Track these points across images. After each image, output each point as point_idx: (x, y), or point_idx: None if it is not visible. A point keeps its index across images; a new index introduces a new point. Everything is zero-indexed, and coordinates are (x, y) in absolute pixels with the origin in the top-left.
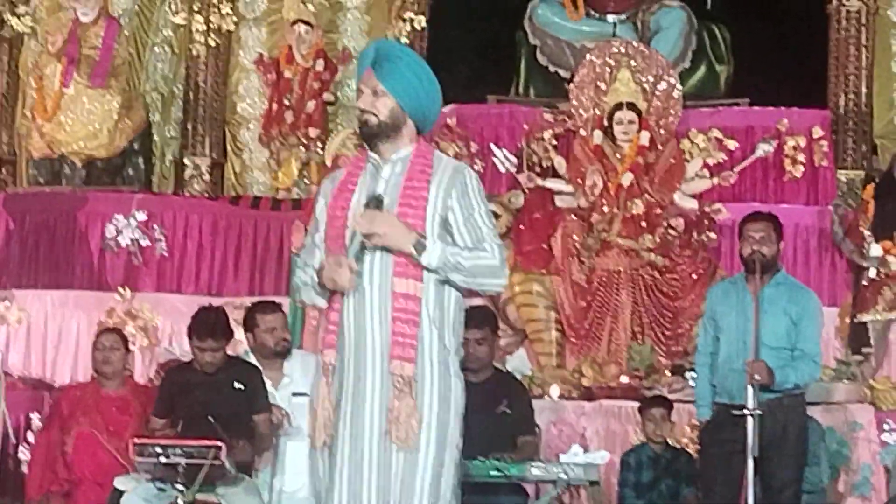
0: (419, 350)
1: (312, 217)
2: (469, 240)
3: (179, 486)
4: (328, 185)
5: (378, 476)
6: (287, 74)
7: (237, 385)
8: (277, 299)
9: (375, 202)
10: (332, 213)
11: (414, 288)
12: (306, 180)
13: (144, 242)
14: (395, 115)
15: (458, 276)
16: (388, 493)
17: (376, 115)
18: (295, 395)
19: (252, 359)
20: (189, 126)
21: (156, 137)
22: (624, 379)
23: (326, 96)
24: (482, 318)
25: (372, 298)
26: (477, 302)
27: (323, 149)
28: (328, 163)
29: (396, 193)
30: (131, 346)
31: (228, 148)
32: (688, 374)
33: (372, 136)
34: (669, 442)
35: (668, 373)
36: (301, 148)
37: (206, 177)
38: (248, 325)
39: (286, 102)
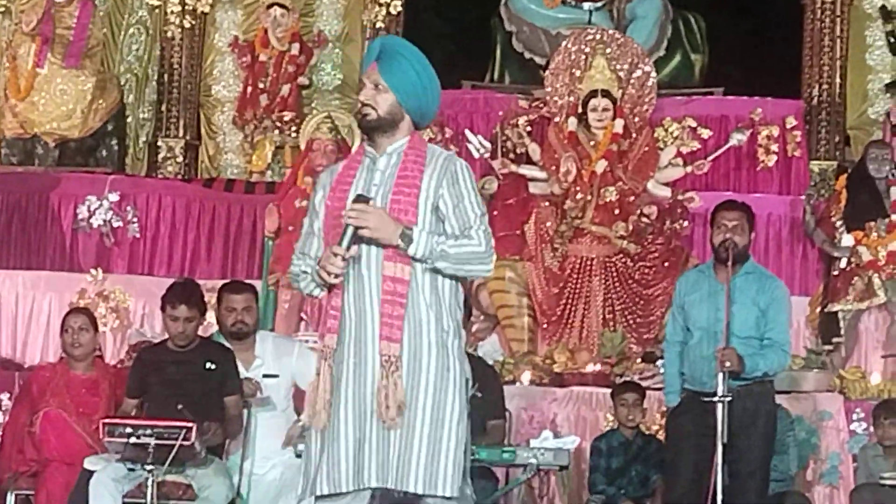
0: (417, 332)
1: (310, 207)
2: (457, 227)
3: (149, 467)
4: (327, 178)
5: (378, 455)
6: (262, 57)
7: (209, 366)
8: (250, 282)
9: (363, 199)
10: (330, 206)
11: (402, 271)
12: (280, 164)
13: (117, 224)
14: (394, 110)
15: (445, 263)
16: (387, 471)
17: (375, 109)
18: (266, 376)
19: (222, 340)
20: (163, 108)
21: (129, 119)
22: (595, 366)
23: (301, 80)
24: None
25: (370, 284)
26: None
27: (297, 132)
28: (302, 146)
29: (391, 183)
30: (102, 328)
31: (202, 130)
32: (659, 362)
33: (369, 129)
34: (641, 428)
35: (639, 360)
36: (275, 131)
37: (180, 159)
38: (217, 303)
39: (261, 85)
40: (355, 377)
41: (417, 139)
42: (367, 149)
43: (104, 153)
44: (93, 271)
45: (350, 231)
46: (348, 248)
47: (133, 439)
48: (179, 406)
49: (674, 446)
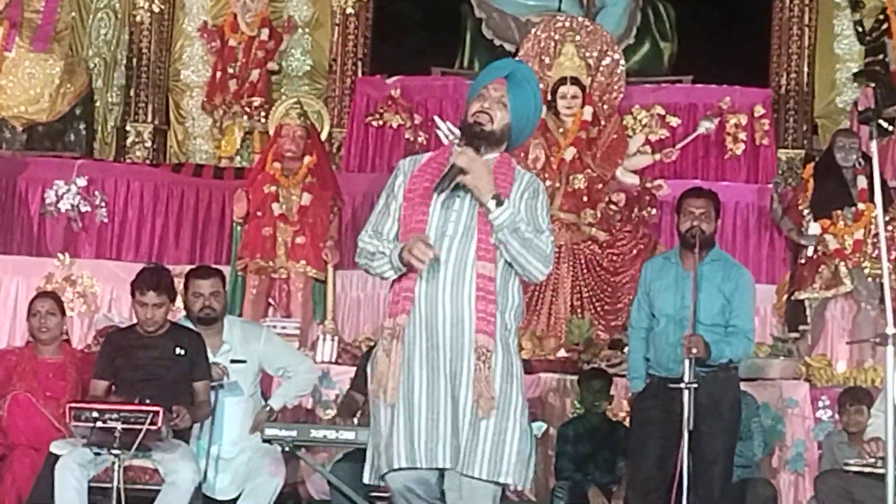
0: None
1: (388, 189)
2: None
3: (115, 451)
4: (409, 165)
5: (451, 436)
6: (231, 43)
7: (179, 351)
8: (218, 268)
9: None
10: (412, 203)
11: (491, 270)
12: (249, 149)
13: (85, 208)
14: (504, 129)
15: (516, 242)
16: (456, 454)
17: (492, 121)
18: (233, 361)
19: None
20: (132, 92)
21: (98, 103)
22: (563, 352)
23: (271, 65)
24: None
25: (446, 276)
26: None
27: (266, 118)
28: (271, 132)
29: None
30: (69, 312)
31: (171, 115)
32: (626, 349)
33: (476, 135)
34: (608, 415)
35: (606, 347)
36: (244, 117)
37: (148, 144)
38: (184, 288)
39: (230, 71)
40: (428, 360)
41: (507, 158)
42: (457, 149)
43: (72, 137)
44: (60, 256)
45: (454, 171)
46: (446, 188)
47: (99, 423)
48: (147, 401)
49: (639, 432)
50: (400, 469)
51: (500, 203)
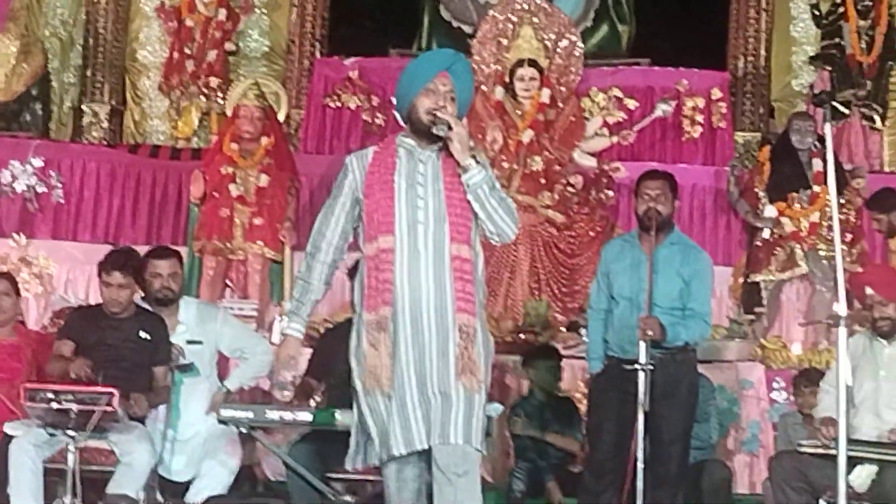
0: None
1: (336, 187)
2: None
3: (71, 433)
4: (357, 163)
5: (442, 414)
6: (188, 23)
7: (143, 335)
8: (175, 248)
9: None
10: (374, 198)
11: (467, 252)
12: (206, 130)
13: (41, 189)
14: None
15: (494, 199)
16: (448, 425)
17: (450, 118)
18: (189, 342)
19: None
20: (88, 73)
21: (54, 83)
22: (520, 334)
23: (228, 46)
24: None
25: (427, 262)
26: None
27: (223, 99)
28: (229, 113)
29: (439, 174)
30: (25, 293)
31: (128, 96)
32: (583, 331)
33: (437, 137)
34: (556, 392)
35: (563, 329)
36: (201, 97)
37: (105, 124)
38: (142, 269)
39: (187, 51)
40: (414, 346)
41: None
42: (405, 140)
43: (28, 118)
44: (15, 236)
45: (443, 123)
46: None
47: (55, 405)
48: (107, 382)
49: (596, 414)
50: (399, 457)
51: (478, 161)
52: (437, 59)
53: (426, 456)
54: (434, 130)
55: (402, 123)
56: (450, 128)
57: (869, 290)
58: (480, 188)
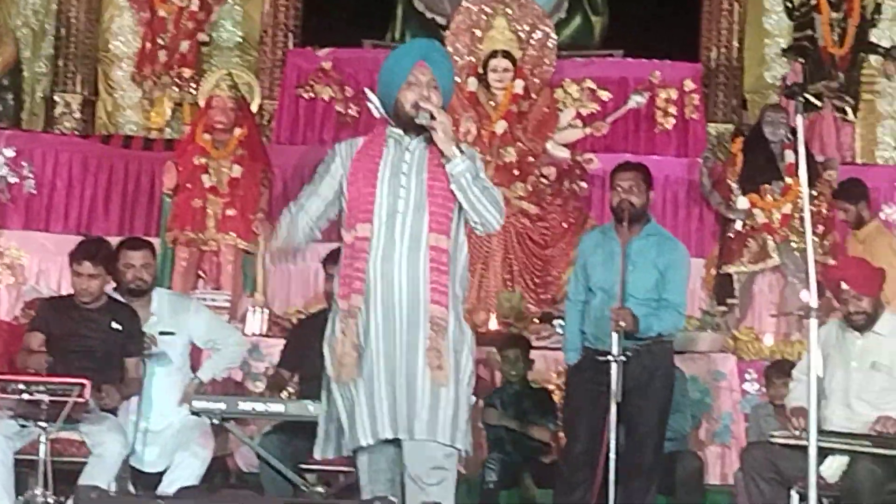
0: None
1: (322, 169)
2: None
3: (42, 424)
4: (346, 149)
5: (408, 406)
6: (161, 13)
7: (115, 325)
8: (148, 239)
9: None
10: (356, 186)
11: (445, 242)
12: (179, 121)
13: (13, 179)
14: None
15: (477, 188)
16: (413, 419)
17: (433, 108)
18: (162, 333)
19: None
20: (60, 62)
21: (26, 73)
22: (493, 325)
23: (201, 36)
24: None
25: (401, 253)
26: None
27: (196, 89)
28: (201, 103)
29: (424, 164)
30: None
31: (100, 86)
32: (556, 322)
33: (422, 127)
34: (529, 382)
35: (536, 320)
36: (174, 88)
37: (77, 115)
38: (114, 260)
39: (160, 41)
40: (385, 335)
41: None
42: (393, 131)
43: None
44: None
45: (427, 119)
46: (423, 122)
47: (26, 396)
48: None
49: (572, 404)
50: (366, 447)
51: (462, 151)
52: (412, 51)
53: (399, 445)
54: (417, 120)
55: (388, 119)
56: (433, 117)
57: (844, 286)
58: (463, 177)
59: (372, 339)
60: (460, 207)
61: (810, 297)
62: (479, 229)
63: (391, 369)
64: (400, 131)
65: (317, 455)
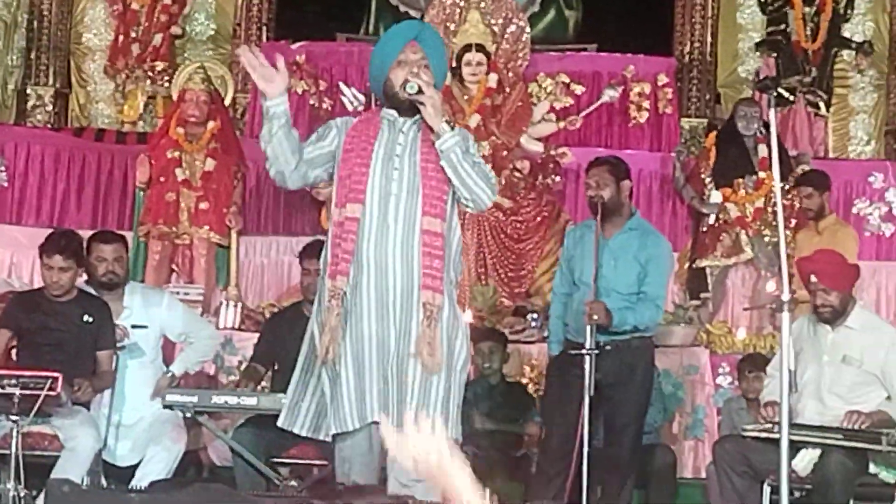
0: None
1: (320, 130)
2: None
3: (14, 418)
4: (342, 124)
5: (398, 391)
6: (134, 6)
7: (86, 318)
8: (121, 233)
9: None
10: (349, 164)
11: (439, 226)
12: (152, 114)
13: None
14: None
15: (468, 164)
16: (403, 408)
17: (421, 82)
18: (134, 327)
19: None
20: (32, 55)
21: None
22: (468, 319)
23: (174, 30)
24: (319, 250)
25: (395, 235)
26: (322, 238)
27: (170, 82)
28: (175, 97)
29: (417, 146)
30: None
31: (73, 79)
32: (529, 316)
33: (409, 103)
34: (503, 376)
35: (510, 314)
36: (147, 81)
37: (50, 107)
38: (87, 253)
39: (133, 34)
40: (378, 319)
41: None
42: (387, 112)
43: None
44: None
45: (415, 90)
46: (410, 96)
47: None
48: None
49: (552, 398)
50: (352, 432)
51: (452, 128)
52: (404, 30)
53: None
54: (403, 95)
55: (381, 101)
56: (420, 91)
57: (813, 279)
58: (453, 152)
59: (365, 323)
60: (454, 189)
61: (783, 290)
62: (470, 206)
63: (383, 356)
64: (394, 112)
65: (280, 423)
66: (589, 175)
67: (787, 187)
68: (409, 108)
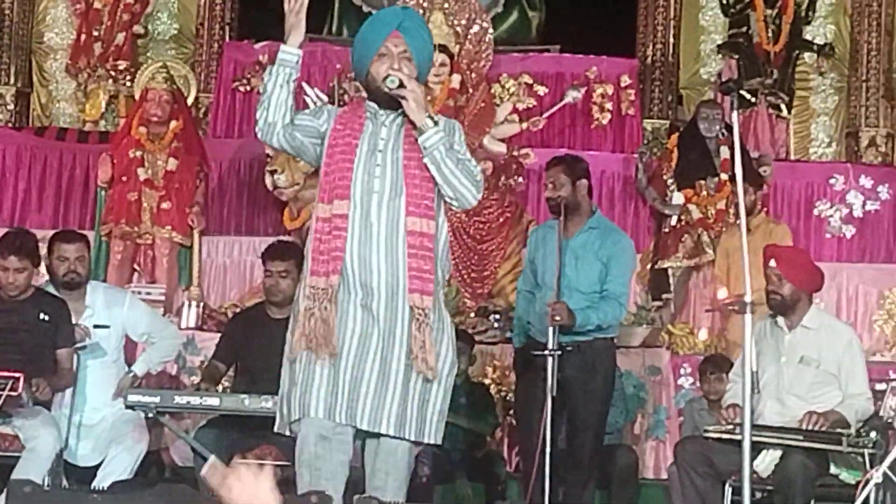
0: None
1: (314, 109)
2: None
3: None
4: (332, 113)
5: (374, 396)
6: (96, 5)
7: (42, 317)
8: (82, 232)
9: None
10: (334, 158)
11: (427, 226)
12: (114, 113)
13: None
14: (414, 79)
15: (451, 161)
16: (381, 411)
17: (402, 76)
18: (96, 327)
19: (52, 290)
20: None
21: None
22: None
23: (136, 29)
24: (286, 251)
25: (379, 234)
26: (285, 238)
27: (132, 82)
28: (137, 96)
29: (400, 142)
30: None
31: (34, 78)
32: (492, 317)
33: (391, 97)
34: (469, 377)
35: (472, 314)
36: (109, 80)
37: (11, 106)
38: (48, 252)
39: (95, 33)
40: (362, 320)
41: None
42: (370, 105)
43: None
44: None
45: (396, 84)
46: (392, 89)
47: None
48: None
49: (521, 400)
50: (311, 419)
51: (435, 123)
52: (386, 20)
53: (350, 432)
54: (385, 88)
55: (364, 94)
56: (402, 85)
57: (772, 263)
58: (437, 149)
59: (348, 322)
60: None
61: (745, 292)
62: (455, 205)
63: (363, 354)
64: (375, 106)
65: (276, 428)
66: (546, 177)
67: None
68: (391, 102)
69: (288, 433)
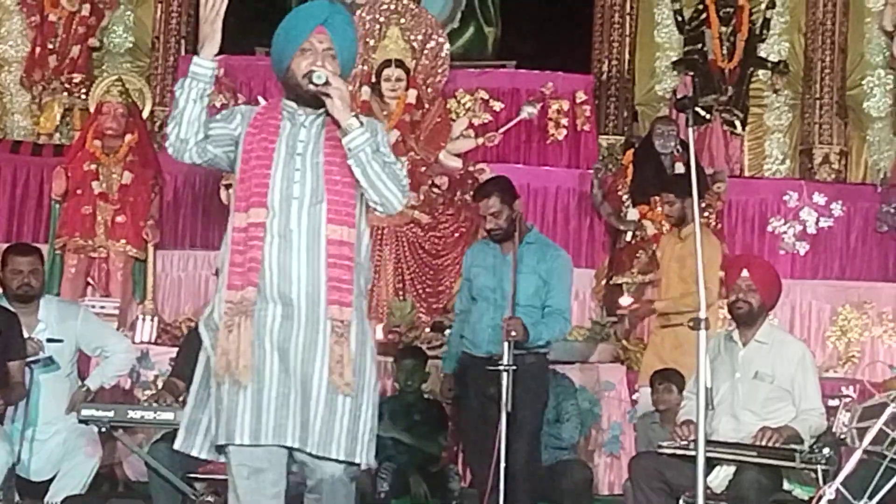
0: None
1: (225, 113)
2: None
3: None
4: (247, 113)
5: (301, 413)
6: (52, 18)
7: None
8: (36, 245)
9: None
10: (250, 164)
11: (347, 234)
12: (69, 126)
13: None
14: (338, 76)
15: (377, 164)
16: (307, 434)
17: (327, 72)
18: (49, 340)
19: (6, 304)
20: None
21: None
22: (385, 335)
23: (92, 42)
24: None
25: (299, 243)
26: None
27: (87, 95)
28: (92, 109)
29: (320, 144)
30: None
31: None
32: (447, 332)
33: (312, 96)
34: (423, 393)
35: (427, 329)
36: (64, 93)
37: None
38: (1, 265)
39: (50, 46)
40: (280, 333)
41: None
42: (287, 103)
43: None
44: None
45: (322, 80)
46: (317, 86)
47: None
48: None
49: (465, 415)
50: (239, 446)
51: (360, 123)
52: (311, 14)
53: (283, 451)
54: (307, 85)
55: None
56: (327, 82)
57: (744, 273)
58: (362, 151)
59: (267, 336)
60: (362, 191)
61: (699, 307)
62: (380, 210)
63: (285, 370)
64: (294, 105)
65: (177, 445)
66: (482, 207)
67: (703, 205)
68: (312, 101)
69: (197, 454)
